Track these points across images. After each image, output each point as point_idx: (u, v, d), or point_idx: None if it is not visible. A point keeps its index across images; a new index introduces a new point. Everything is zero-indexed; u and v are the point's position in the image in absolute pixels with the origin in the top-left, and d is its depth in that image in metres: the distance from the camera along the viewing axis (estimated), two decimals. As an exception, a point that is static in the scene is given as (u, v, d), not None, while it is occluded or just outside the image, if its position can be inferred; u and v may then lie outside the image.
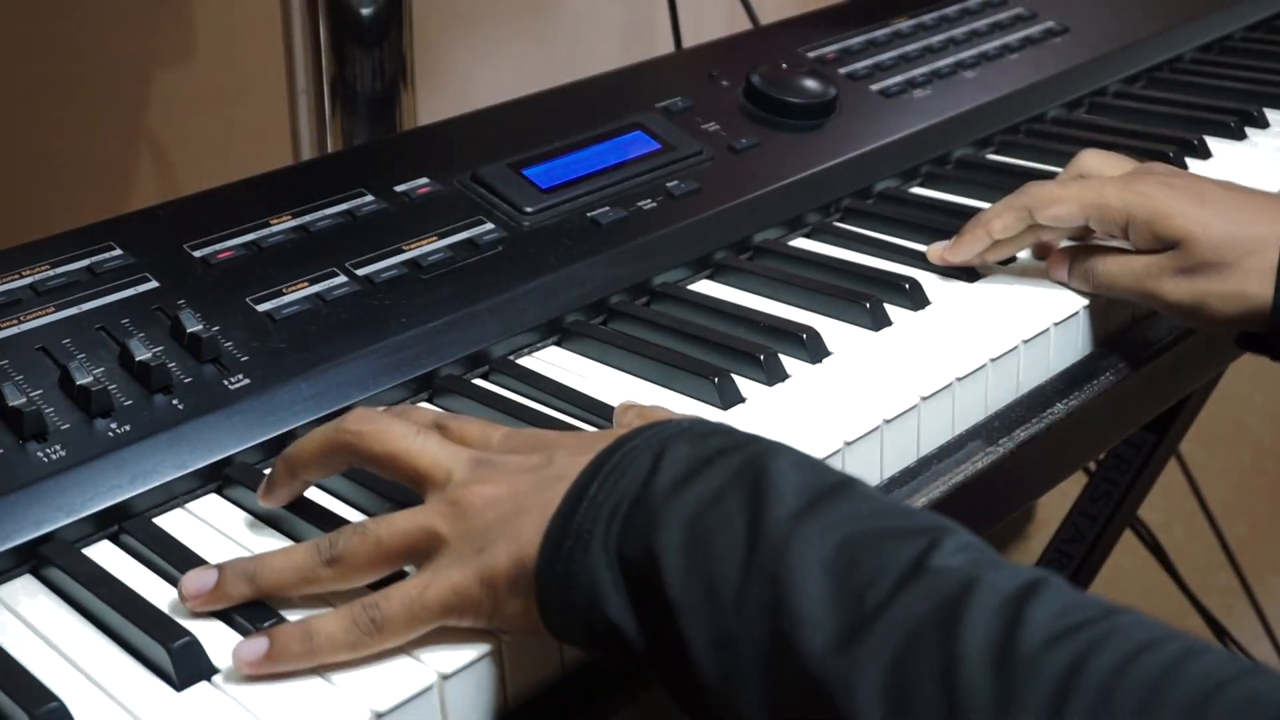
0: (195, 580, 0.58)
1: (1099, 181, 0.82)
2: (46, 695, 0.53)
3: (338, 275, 0.79)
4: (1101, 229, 0.81)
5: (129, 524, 0.65)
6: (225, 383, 0.70)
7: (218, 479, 0.68)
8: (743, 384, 0.74)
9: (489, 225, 0.84)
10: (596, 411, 0.72)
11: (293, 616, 0.58)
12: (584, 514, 0.54)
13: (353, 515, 0.66)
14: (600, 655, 0.55)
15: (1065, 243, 0.86)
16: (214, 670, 0.56)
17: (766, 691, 0.48)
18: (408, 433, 0.59)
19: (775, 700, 0.48)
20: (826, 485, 0.52)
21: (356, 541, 0.57)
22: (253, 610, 0.58)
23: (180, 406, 0.69)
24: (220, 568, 0.58)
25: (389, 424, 0.60)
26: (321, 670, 0.55)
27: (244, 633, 0.57)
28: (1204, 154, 1.05)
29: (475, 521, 0.56)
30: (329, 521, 0.63)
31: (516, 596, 0.55)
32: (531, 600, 0.54)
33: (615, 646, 0.53)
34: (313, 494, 0.67)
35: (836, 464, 0.69)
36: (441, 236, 0.83)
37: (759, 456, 0.53)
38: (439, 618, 0.55)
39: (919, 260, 0.88)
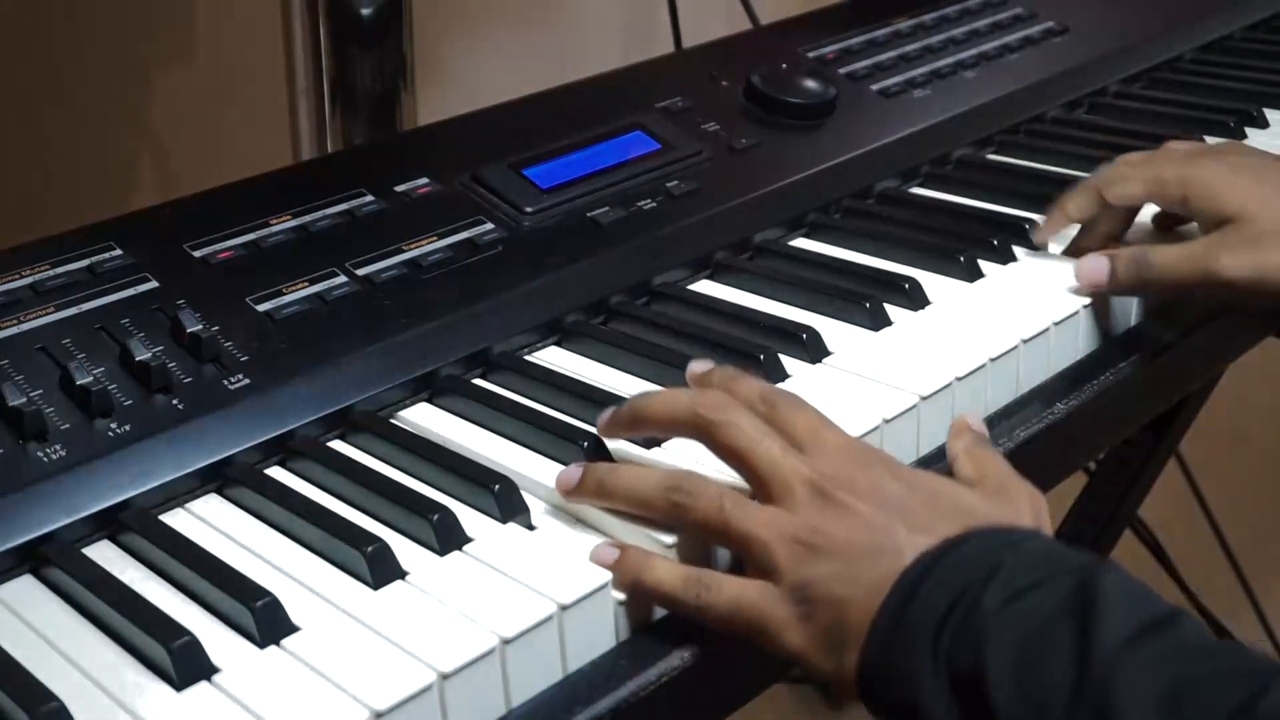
0: (563, 474, 0.65)
1: (1161, 157, 0.82)
2: (46, 695, 0.53)
3: (338, 275, 0.79)
4: (1163, 204, 0.82)
5: (129, 524, 0.64)
6: (225, 383, 0.70)
7: (218, 479, 0.68)
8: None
9: (489, 225, 0.84)
10: (598, 408, 0.72)
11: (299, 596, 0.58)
12: (915, 611, 0.56)
13: (353, 515, 0.66)
14: None
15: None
16: (214, 670, 0.56)
17: None
18: (756, 433, 0.61)
19: None
20: (1155, 617, 0.53)
21: (708, 504, 0.60)
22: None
23: (180, 406, 0.69)
24: (584, 469, 0.64)
25: (740, 418, 0.62)
26: (320, 669, 0.55)
27: (242, 633, 0.57)
28: (1204, 154, 1.05)
29: (811, 572, 0.58)
30: (329, 521, 0.63)
31: (830, 657, 0.58)
32: (845, 670, 0.57)
33: None
34: (313, 493, 0.67)
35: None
36: (441, 236, 0.83)
37: (1092, 582, 0.54)
38: (749, 632, 0.59)
39: (919, 260, 0.88)
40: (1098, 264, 0.81)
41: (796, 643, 0.59)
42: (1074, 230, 0.88)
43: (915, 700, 0.54)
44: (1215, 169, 0.79)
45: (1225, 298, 0.79)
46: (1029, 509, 0.63)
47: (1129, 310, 0.85)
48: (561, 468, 0.68)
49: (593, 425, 0.71)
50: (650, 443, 0.69)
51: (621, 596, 0.61)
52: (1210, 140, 1.06)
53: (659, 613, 0.62)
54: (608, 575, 0.60)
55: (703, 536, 0.62)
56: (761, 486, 0.61)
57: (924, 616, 0.55)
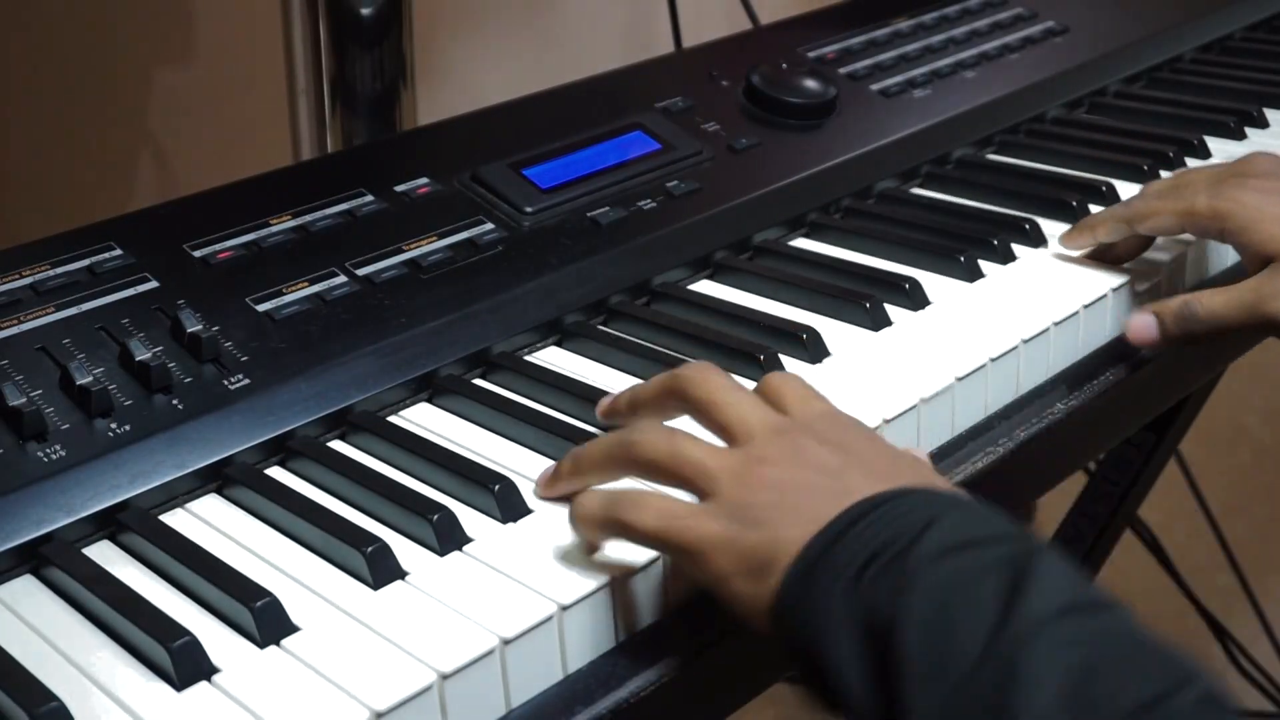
0: (540, 475, 0.67)
1: (1191, 189, 0.80)
2: (46, 695, 0.53)
3: (338, 275, 0.79)
4: (1198, 235, 0.81)
5: (129, 524, 0.64)
6: (225, 383, 0.70)
7: (218, 479, 0.68)
8: (743, 384, 0.74)
9: (489, 225, 0.84)
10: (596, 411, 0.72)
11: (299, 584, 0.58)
12: (844, 548, 0.54)
13: (353, 515, 0.66)
14: (815, 686, 0.56)
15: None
16: (214, 670, 0.56)
17: None
18: (726, 385, 0.63)
19: None
20: (1089, 600, 0.51)
21: (657, 441, 0.61)
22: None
23: (180, 406, 0.69)
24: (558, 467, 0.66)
25: (713, 374, 0.64)
26: (320, 669, 0.55)
27: (242, 633, 0.57)
28: (1204, 154, 1.05)
29: (750, 496, 0.58)
30: (329, 522, 0.63)
31: (750, 583, 0.56)
32: (762, 597, 0.56)
33: (828, 683, 0.54)
34: (313, 493, 0.67)
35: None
36: (441, 236, 0.83)
37: (1029, 553, 0.52)
38: (676, 550, 0.59)
39: (919, 260, 0.88)
40: (1146, 322, 0.80)
41: (721, 564, 0.57)
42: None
43: (823, 636, 0.53)
44: (1248, 199, 0.77)
45: (1276, 334, 0.78)
46: None
47: (1129, 312, 0.85)
48: None
49: (593, 425, 0.71)
50: None
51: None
52: (1210, 140, 1.06)
53: (656, 612, 0.62)
54: (608, 576, 0.60)
55: (657, 476, 0.61)
56: (726, 432, 0.61)
57: (851, 555, 0.54)
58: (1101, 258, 0.87)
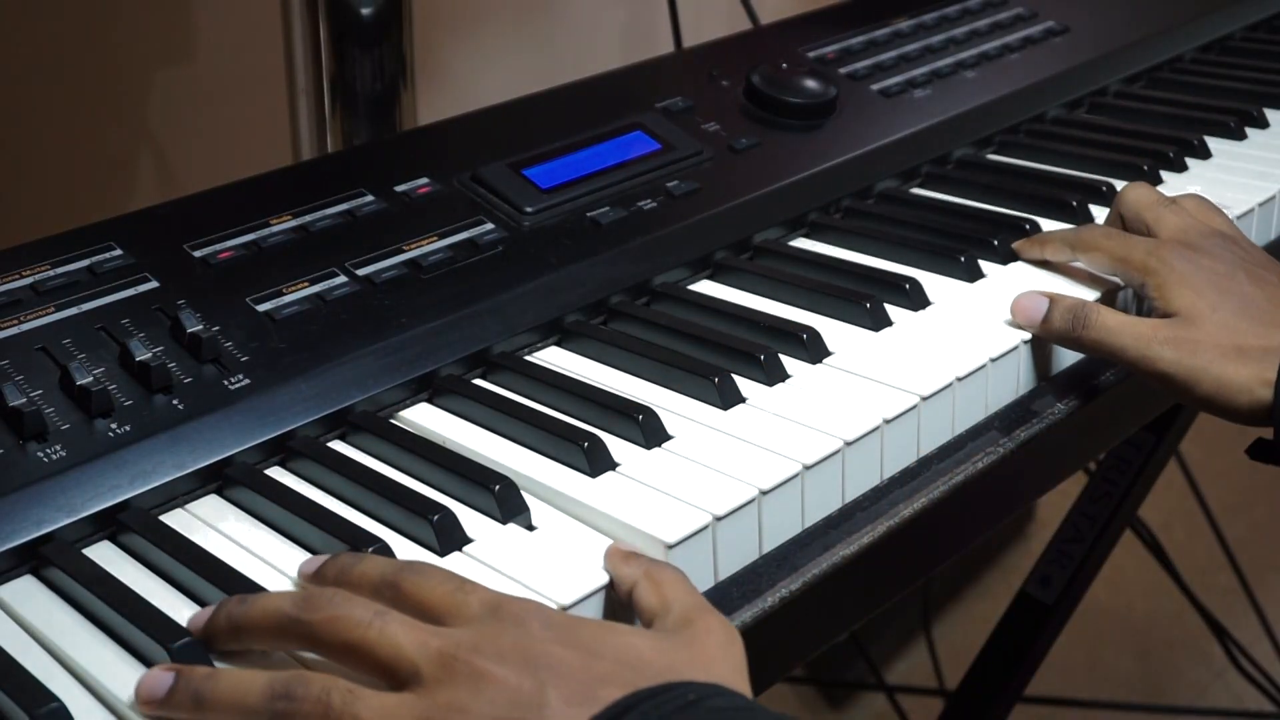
0: (148, 679, 0.54)
1: (1134, 241, 0.81)
2: (46, 695, 0.53)
3: (338, 275, 0.79)
4: (1125, 282, 0.82)
5: (129, 524, 0.64)
6: (225, 383, 0.70)
7: (218, 479, 0.68)
8: (743, 384, 0.74)
9: (489, 225, 0.84)
10: (599, 408, 0.72)
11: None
12: None
13: (352, 515, 0.66)
14: None
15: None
16: (214, 670, 0.56)
17: None
18: (368, 617, 0.52)
19: None
20: None
21: (312, 706, 0.50)
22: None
23: (180, 406, 0.69)
24: (177, 676, 0.54)
25: (350, 608, 0.53)
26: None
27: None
28: (1204, 154, 1.05)
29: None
30: (329, 522, 0.63)
31: None
32: None
33: None
34: (313, 494, 0.67)
35: (836, 464, 0.69)
36: (441, 236, 0.83)
37: None
38: None
39: (919, 260, 0.88)
40: (1036, 303, 0.79)
41: None
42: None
43: None
44: (1178, 265, 0.78)
45: (1152, 385, 0.77)
46: (718, 648, 0.55)
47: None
48: (560, 469, 0.68)
49: (593, 425, 0.71)
50: (654, 441, 0.69)
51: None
52: (1210, 140, 1.06)
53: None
54: (607, 577, 0.60)
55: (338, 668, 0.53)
56: (388, 675, 0.52)
57: None
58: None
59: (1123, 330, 0.76)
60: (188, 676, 0.53)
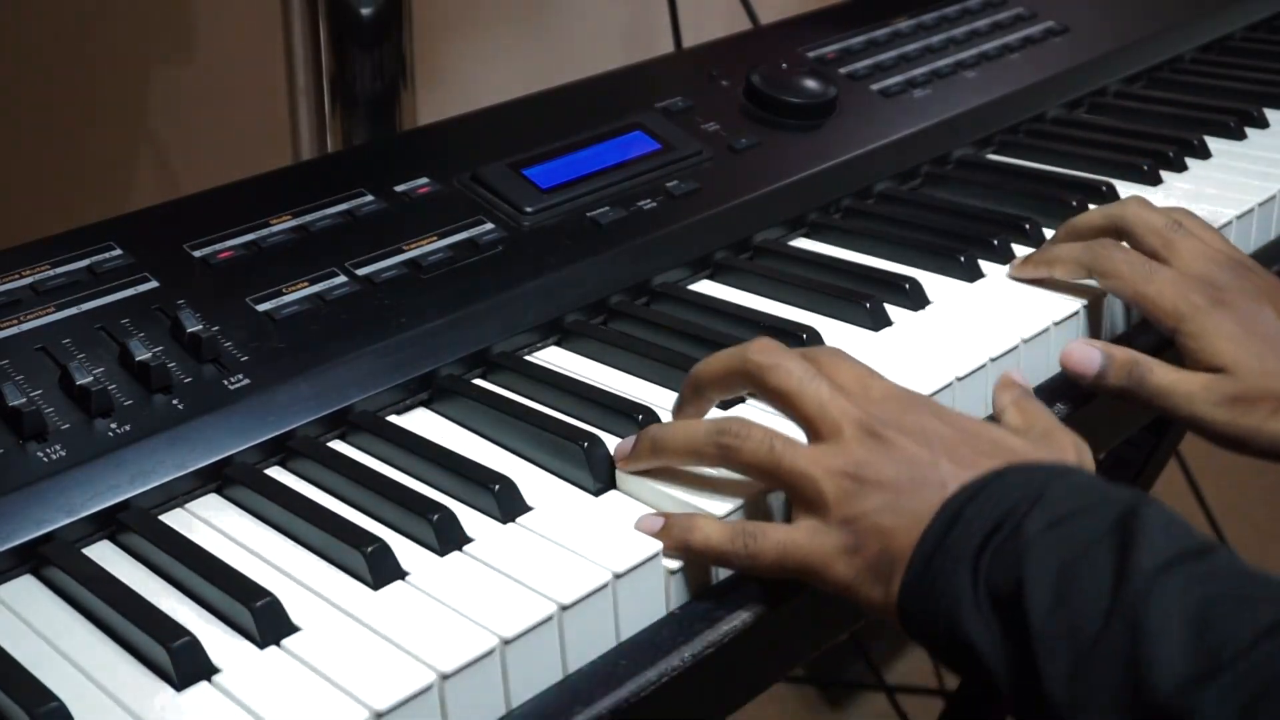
0: (620, 445, 0.67)
1: (1160, 278, 0.78)
2: (46, 695, 0.53)
3: (338, 275, 0.79)
4: (1147, 318, 0.79)
5: (129, 524, 0.64)
6: (225, 383, 0.70)
7: (218, 479, 0.68)
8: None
9: (489, 225, 0.84)
10: (598, 408, 0.72)
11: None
12: (957, 534, 0.57)
13: (352, 515, 0.66)
14: (951, 666, 0.59)
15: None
16: (214, 670, 0.56)
17: None
18: (805, 375, 0.63)
19: None
20: (1194, 545, 0.55)
21: (756, 445, 0.62)
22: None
23: (180, 406, 0.69)
24: (638, 435, 0.66)
25: (790, 362, 0.64)
26: (320, 669, 0.55)
27: (242, 633, 0.57)
28: (1204, 154, 1.05)
29: (858, 506, 0.60)
30: (329, 522, 0.63)
31: (878, 586, 0.60)
32: (891, 597, 0.59)
33: (968, 662, 0.57)
34: (313, 493, 0.67)
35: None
36: (441, 236, 0.83)
37: (1133, 513, 0.56)
38: (801, 571, 0.61)
39: (919, 260, 0.88)
40: (1089, 355, 0.77)
41: (844, 575, 0.60)
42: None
43: (954, 619, 0.56)
44: (1210, 313, 0.76)
45: (1203, 438, 0.76)
46: (1073, 453, 0.65)
47: (1129, 313, 0.85)
48: (561, 468, 0.68)
49: (592, 425, 0.71)
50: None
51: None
52: (1210, 140, 1.06)
53: (656, 614, 0.62)
54: (608, 575, 0.60)
55: (753, 476, 0.64)
56: (811, 426, 0.63)
57: (966, 539, 0.57)
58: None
59: (1174, 390, 0.75)
60: (645, 432, 0.66)
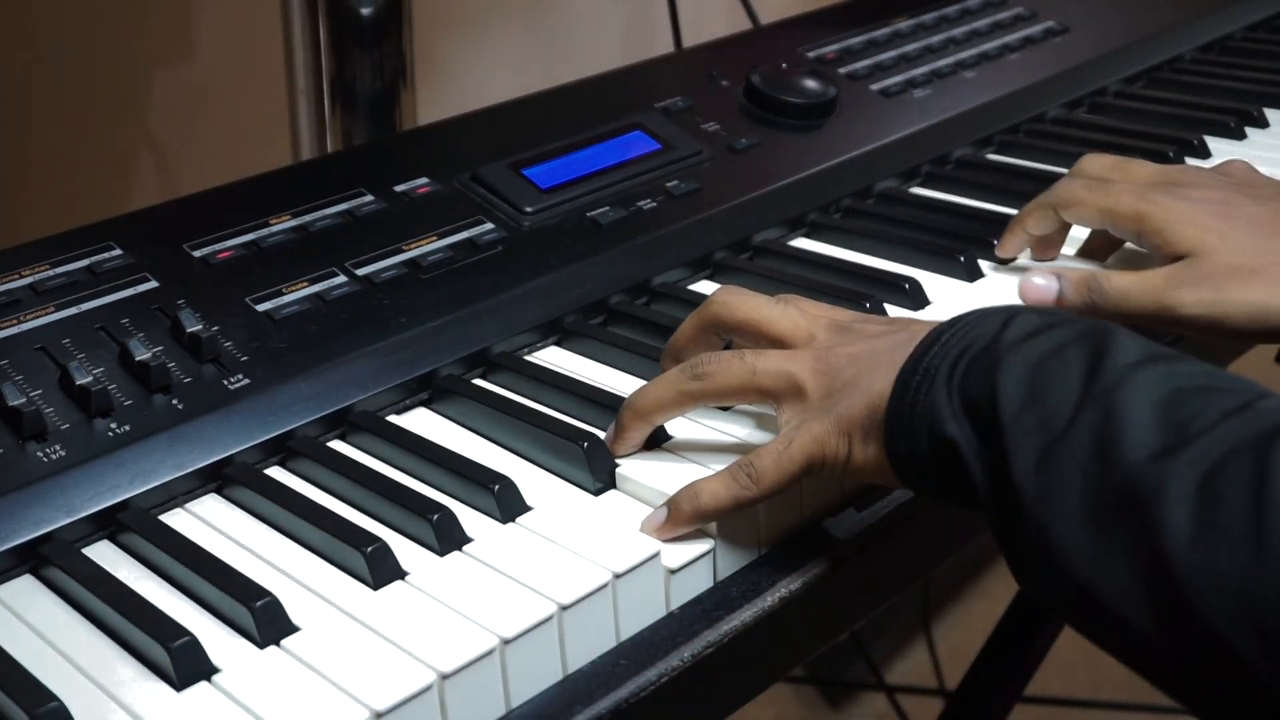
0: (607, 434, 0.68)
1: (1118, 188, 0.79)
2: (46, 695, 0.53)
3: (338, 275, 0.79)
4: (1117, 233, 0.80)
5: (129, 524, 0.64)
6: (225, 383, 0.70)
7: (218, 479, 0.68)
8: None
9: (489, 225, 0.84)
10: (598, 408, 0.72)
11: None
12: (934, 356, 0.59)
13: (352, 515, 0.66)
14: (938, 494, 0.60)
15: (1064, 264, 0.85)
16: (214, 670, 0.56)
17: (1082, 500, 0.52)
18: (770, 302, 0.67)
19: (1089, 508, 0.51)
20: (1166, 352, 0.56)
21: (729, 363, 0.64)
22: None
23: (180, 406, 0.69)
24: (618, 418, 0.67)
25: (752, 297, 0.68)
26: (320, 669, 0.55)
27: (242, 633, 0.57)
28: (1204, 154, 1.05)
29: (836, 379, 0.63)
30: (329, 522, 0.63)
31: (870, 443, 0.61)
32: (882, 443, 0.60)
33: (950, 474, 0.58)
34: (313, 493, 0.67)
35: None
36: (441, 236, 0.83)
37: (1105, 329, 0.57)
38: (803, 467, 0.62)
39: (919, 260, 0.88)
40: (1046, 284, 0.78)
41: (839, 449, 0.62)
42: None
43: (935, 424, 0.57)
44: (1171, 205, 0.76)
45: (1180, 331, 0.76)
46: None
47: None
48: (560, 468, 0.68)
49: (592, 425, 0.71)
50: (653, 443, 0.69)
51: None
52: (1210, 140, 1.06)
53: (655, 612, 0.62)
54: (608, 575, 0.60)
55: (733, 399, 0.66)
56: (785, 340, 0.66)
57: (941, 357, 0.59)
58: (1089, 255, 0.87)
59: (1135, 289, 0.75)
60: (622, 407, 0.67)
